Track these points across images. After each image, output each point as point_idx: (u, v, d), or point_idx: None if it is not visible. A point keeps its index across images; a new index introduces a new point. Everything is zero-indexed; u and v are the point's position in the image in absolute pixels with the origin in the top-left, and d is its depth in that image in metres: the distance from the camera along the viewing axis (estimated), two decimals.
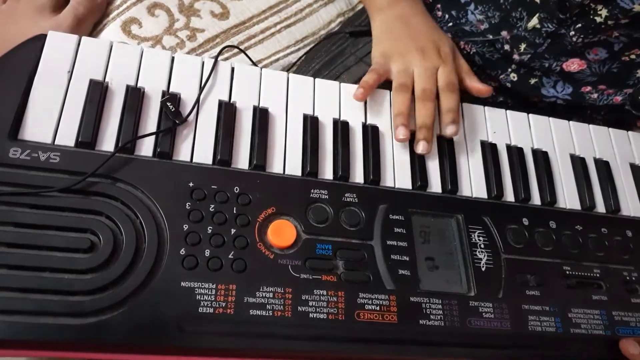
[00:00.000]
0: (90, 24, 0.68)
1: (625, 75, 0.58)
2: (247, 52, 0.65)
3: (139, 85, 0.47)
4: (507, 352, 0.45)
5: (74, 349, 0.37)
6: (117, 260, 0.39)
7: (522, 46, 0.58)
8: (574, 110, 0.64)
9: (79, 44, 0.47)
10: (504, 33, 0.60)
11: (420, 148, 0.51)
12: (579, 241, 0.52)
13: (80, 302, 0.37)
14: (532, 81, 0.62)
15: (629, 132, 0.62)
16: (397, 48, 0.57)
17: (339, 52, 0.67)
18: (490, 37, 0.61)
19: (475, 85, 0.59)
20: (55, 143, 0.43)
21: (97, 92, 0.45)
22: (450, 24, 0.66)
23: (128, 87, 0.47)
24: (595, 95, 0.61)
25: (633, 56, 0.55)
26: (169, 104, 0.47)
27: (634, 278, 0.52)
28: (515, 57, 0.60)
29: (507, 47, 0.60)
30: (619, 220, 0.55)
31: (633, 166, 0.60)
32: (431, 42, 0.58)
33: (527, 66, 0.61)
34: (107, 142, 0.44)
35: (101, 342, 0.37)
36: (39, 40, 0.47)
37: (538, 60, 0.59)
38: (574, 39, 0.54)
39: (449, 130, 0.53)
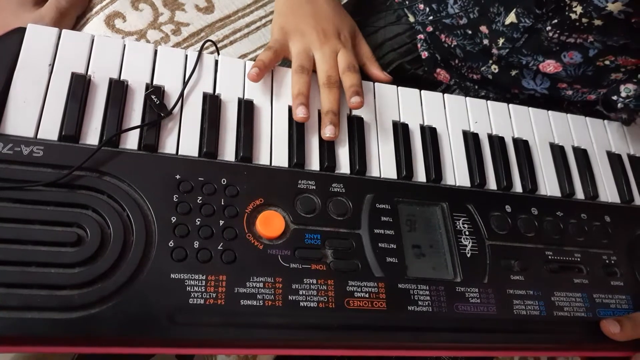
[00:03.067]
0: (73, 18, 0.67)
1: (600, 78, 0.59)
2: (232, 46, 0.65)
3: (122, 78, 0.47)
4: (493, 336, 0.46)
5: (63, 344, 0.36)
6: (105, 254, 0.39)
7: (501, 41, 0.59)
8: (552, 102, 0.66)
9: (59, 37, 0.47)
10: (483, 28, 0.61)
11: (328, 132, 0.50)
12: (560, 227, 0.53)
13: (68, 296, 0.37)
14: (513, 73, 0.63)
15: (605, 121, 0.64)
16: (297, 26, 0.56)
17: None
18: (470, 32, 0.62)
19: (374, 72, 0.60)
20: (38, 137, 0.42)
21: (80, 86, 0.44)
22: (431, 17, 0.66)
23: (111, 80, 0.46)
24: (570, 92, 0.62)
25: (607, 62, 0.56)
26: (153, 96, 0.46)
27: (612, 261, 0.53)
28: (494, 51, 0.61)
29: (486, 41, 0.61)
30: (597, 206, 0.57)
31: (609, 154, 0.61)
32: (333, 25, 0.58)
33: (506, 60, 0.62)
34: (91, 135, 0.44)
35: (91, 336, 0.36)
36: (18, 33, 0.46)
37: (516, 55, 0.60)
38: (550, 34, 0.55)
39: (353, 100, 0.51)
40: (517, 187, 0.55)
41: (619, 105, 0.59)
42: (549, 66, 0.58)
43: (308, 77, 0.52)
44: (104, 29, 0.66)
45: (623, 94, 0.58)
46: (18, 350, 0.36)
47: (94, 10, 0.68)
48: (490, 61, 0.63)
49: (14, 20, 0.61)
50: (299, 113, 0.49)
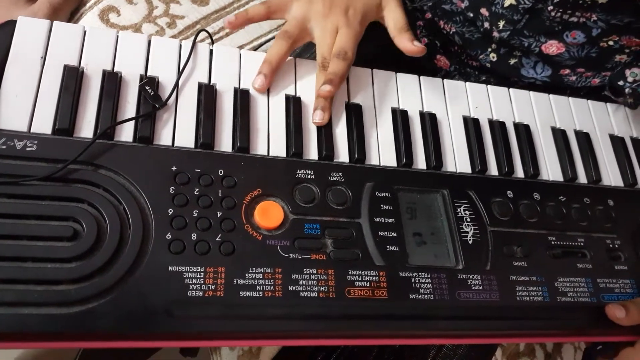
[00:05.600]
0: (66, 13, 0.66)
1: (604, 59, 0.58)
2: (228, 37, 0.64)
3: (115, 69, 0.46)
4: (497, 323, 0.46)
5: (61, 339, 0.36)
6: (102, 248, 0.38)
7: (501, 23, 0.58)
8: (553, 91, 0.65)
9: (50, 29, 0.46)
10: (483, 10, 0.59)
11: (317, 117, 0.48)
12: (562, 212, 0.53)
13: (66, 291, 0.36)
14: (512, 61, 0.62)
15: (607, 104, 0.63)
16: None
17: None
18: (471, 14, 0.61)
19: (403, 44, 0.54)
20: (32, 131, 0.41)
21: (73, 78, 0.44)
22: (430, 3, 0.65)
23: (104, 72, 0.45)
24: (573, 78, 0.61)
25: (611, 42, 0.55)
26: (147, 87, 0.46)
27: (616, 246, 0.53)
28: (495, 34, 0.60)
29: (486, 24, 0.60)
30: (600, 190, 0.56)
31: (612, 137, 0.60)
32: None
33: (507, 45, 0.61)
34: (86, 128, 0.43)
35: (89, 331, 0.36)
36: (9, 26, 0.45)
37: (517, 38, 0.59)
38: (553, 14, 0.54)
39: (322, 87, 0.48)
40: (519, 173, 0.54)
41: (627, 90, 0.57)
42: (552, 47, 0.57)
43: (286, 46, 0.49)
44: (98, 24, 0.66)
45: (630, 79, 0.57)
46: (15, 346, 0.35)
47: (88, 4, 0.67)
48: (489, 49, 0.62)
49: (6, 16, 0.61)
50: (255, 83, 0.48)
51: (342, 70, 0.50)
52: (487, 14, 0.59)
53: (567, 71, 0.60)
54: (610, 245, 0.52)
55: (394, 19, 0.55)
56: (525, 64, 0.61)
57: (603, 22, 0.53)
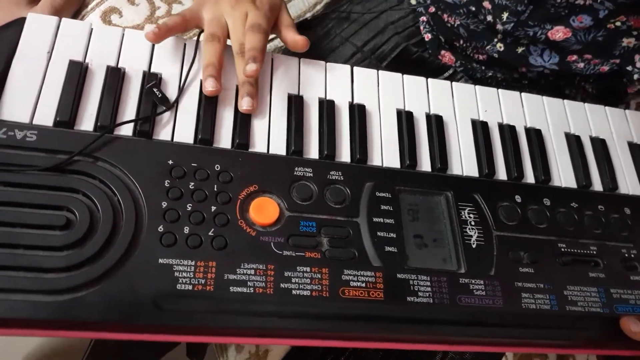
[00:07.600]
0: (68, 15, 0.67)
1: (611, 44, 0.56)
2: None
3: (119, 65, 0.47)
4: (499, 330, 0.43)
5: (48, 327, 0.36)
6: (94, 237, 0.38)
7: (505, 15, 0.57)
8: (563, 79, 0.63)
9: (58, 26, 0.47)
10: (486, 3, 0.58)
11: (245, 104, 0.47)
12: (574, 218, 0.50)
13: (55, 279, 0.36)
14: (519, 50, 0.60)
15: (627, 111, 0.60)
16: None
17: (324, 34, 0.66)
18: (473, 8, 0.60)
19: (289, 36, 0.53)
20: (33, 122, 0.42)
21: (76, 72, 0.45)
22: None
23: (108, 68, 0.46)
24: (581, 65, 0.59)
25: (618, 23, 0.53)
26: (155, 90, 0.46)
27: (632, 255, 0.50)
28: (499, 26, 0.59)
29: (489, 17, 0.59)
30: (616, 198, 0.54)
31: (631, 144, 0.58)
32: None
33: (512, 35, 0.60)
34: (86, 121, 0.43)
35: (76, 320, 0.36)
36: (18, 25, 0.46)
37: (522, 28, 0.57)
38: (558, 1, 0.53)
39: (248, 68, 0.46)
40: (529, 178, 0.52)
41: (635, 76, 0.55)
42: (558, 32, 0.55)
43: (220, 46, 0.49)
44: (100, 25, 0.66)
45: (639, 64, 0.55)
46: (3, 332, 0.35)
47: (90, 6, 0.67)
48: (495, 39, 0.61)
49: (8, 18, 0.62)
50: (208, 86, 0.46)
51: (260, 43, 0.48)
52: (489, 6, 0.58)
53: (575, 57, 0.59)
54: (626, 255, 0.50)
55: (285, 18, 0.56)
56: (533, 51, 0.60)
57: (610, 2, 0.51)
